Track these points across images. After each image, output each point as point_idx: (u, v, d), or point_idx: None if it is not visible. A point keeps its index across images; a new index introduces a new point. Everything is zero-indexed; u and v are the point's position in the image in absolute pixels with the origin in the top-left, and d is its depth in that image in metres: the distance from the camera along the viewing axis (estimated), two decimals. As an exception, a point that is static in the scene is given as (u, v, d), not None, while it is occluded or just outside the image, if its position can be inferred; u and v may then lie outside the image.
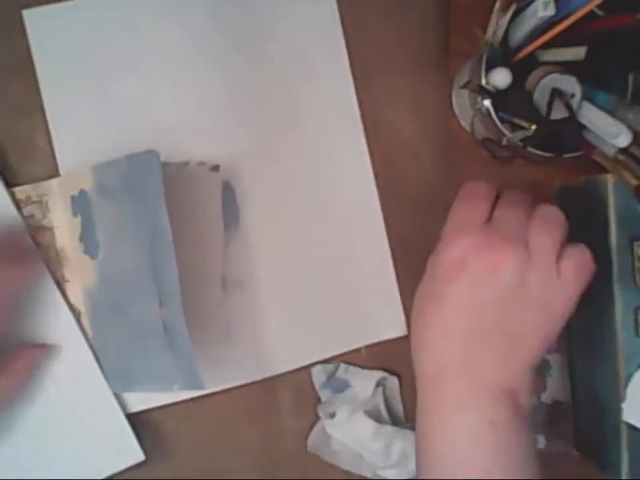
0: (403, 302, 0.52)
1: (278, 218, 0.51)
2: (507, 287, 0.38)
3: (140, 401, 0.49)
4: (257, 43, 0.51)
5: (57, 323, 0.48)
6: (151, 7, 0.49)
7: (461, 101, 0.52)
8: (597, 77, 0.47)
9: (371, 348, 0.52)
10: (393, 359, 0.52)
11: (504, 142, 0.48)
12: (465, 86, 0.49)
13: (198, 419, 0.50)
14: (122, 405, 0.48)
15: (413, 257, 0.52)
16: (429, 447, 0.40)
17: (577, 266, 0.40)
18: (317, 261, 0.51)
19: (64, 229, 0.48)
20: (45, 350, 0.47)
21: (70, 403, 0.47)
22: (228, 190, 0.50)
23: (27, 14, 0.48)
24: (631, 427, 0.47)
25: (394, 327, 0.52)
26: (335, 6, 0.51)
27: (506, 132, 0.47)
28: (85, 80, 0.49)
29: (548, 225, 0.40)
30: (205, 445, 0.50)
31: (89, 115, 0.49)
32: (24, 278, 0.47)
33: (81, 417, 0.48)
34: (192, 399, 0.50)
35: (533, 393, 0.40)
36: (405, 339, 0.52)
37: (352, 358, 0.52)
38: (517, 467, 0.39)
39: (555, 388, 0.53)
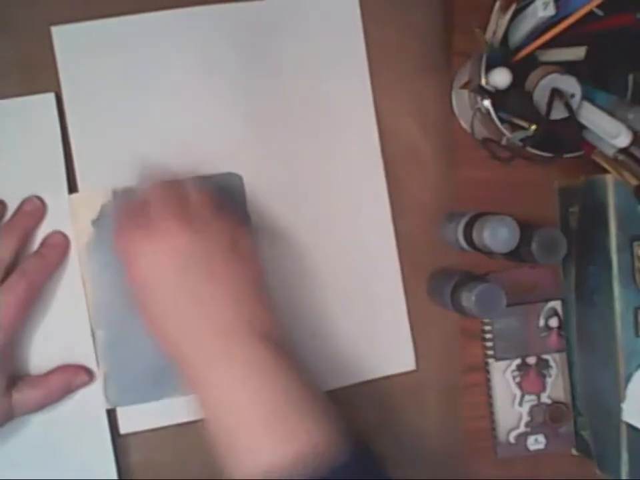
0: (413, 337, 0.52)
1: (291, 247, 0.51)
2: (186, 258, 0.41)
3: (136, 422, 0.49)
4: (276, 54, 0.51)
5: (73, 331, 0.48)
6: (175, 30, 0.49)
7: (460, 101, 0.52)
8: (596, 77, 0.47)
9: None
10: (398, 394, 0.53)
11: (504, 142, 0.48)
12: (464, 86, 0.49)
13: (195, 443, 0.49)
14: (116, 425, 0.48)
15: (420, 278, 0.52)
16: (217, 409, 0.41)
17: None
18: (327, 293, 0.51)
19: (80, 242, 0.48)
20: (84, 374, 0.47)
21: (62, 413, 0.48)
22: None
23: (55, 30, 0.48)
24: (631, 427, 0.47)
25: (403, 362, 0.52)
26: (359, 22, 0.51)
27: (506, 132, 0.47)
28: (110, 98, 0.49)
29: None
30: (202, 469, 0.49)
31: (112, 132, 0.49)
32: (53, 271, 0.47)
33: (69, 429, 0.48)
34: (190, 422, 0.49)
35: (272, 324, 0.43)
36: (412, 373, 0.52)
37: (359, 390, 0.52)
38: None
39: (554, 388, 0.53)
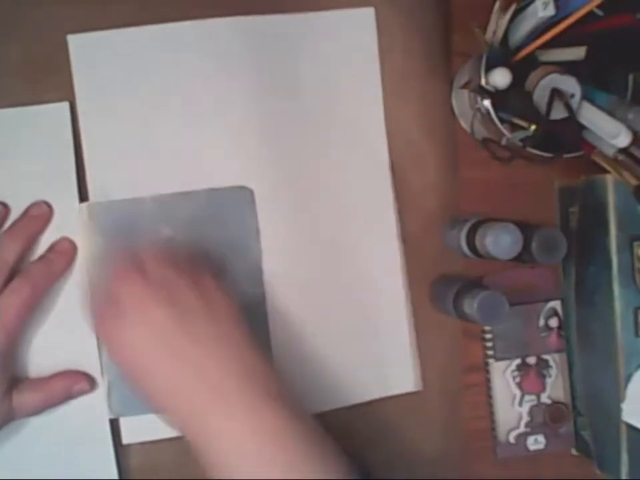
0: (419, 357, 0.52)
1: (301, 265, 0.50)
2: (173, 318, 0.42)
3: (139, 432, 0.49)
4: (290, 67, 0.50)
5: (79, 339, 0.48)
6: (192, 42, 0.49)
7: (460, 101, 0.52)
8: (596, 77, 0.47)
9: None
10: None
11: (503, 142, 0.48)
12: (464, 86, 0.49)
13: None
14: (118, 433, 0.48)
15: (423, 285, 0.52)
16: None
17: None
18: (337, 311, 0.51)
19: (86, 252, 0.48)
20: (86, 381, 0.47)
21: (63, 420, 0.47)
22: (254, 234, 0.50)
23: (71, 39, 0.48)
24: (631, 427, 0.47)
25: (408, 382, 0.52)
26: (374, 40, 0.51)
27: (505, 132, 0.47)
28: (123, 108, 0.48)
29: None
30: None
31: (124, 143, 0.48)
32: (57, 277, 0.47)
33: (72, 436, 0.48)
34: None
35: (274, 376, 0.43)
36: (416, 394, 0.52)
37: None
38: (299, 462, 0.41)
39: (554, 388, 0.53)
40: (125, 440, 0.48)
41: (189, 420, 0.41)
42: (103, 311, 0.44)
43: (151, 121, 0.49)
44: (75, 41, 0.48)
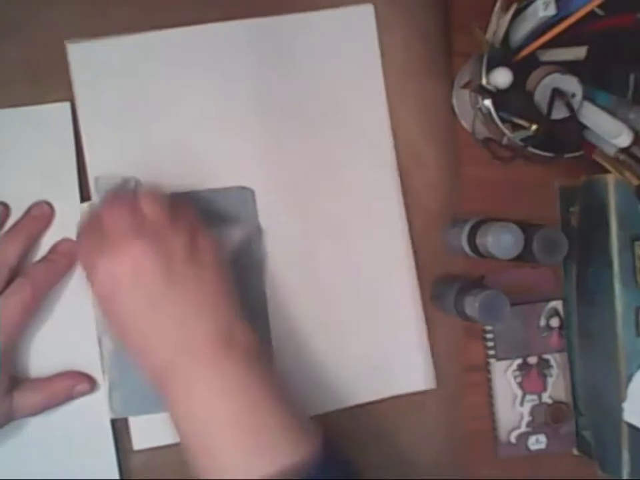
0: (433, 355, 0.52)
1: (306, 264, 0.50)
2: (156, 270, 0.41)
3: (151, 438, 0.48)
4: (291, 68, 0.50)
5: (80, 339, 0.48)
6: (189, 46, 0.49)
7: (461, 101, 0.52)
8: (597, 77, 0.47)
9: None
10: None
11: (504, 142, 0.48)
12: (465, 86, 0.49)
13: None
14: (128, 441, 0.48)
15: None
16: (185, 428, 0.41)
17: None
18: (346, 309, 0.51)
19: None
20: (87, 382, 0.47)
21: (64, 420, 0.47)
22: (257, 234, 0.50)
23: (70, 46, 0.48)
24: (632, 427, 0.47)
25: (423, 380, 0.51)
26: (375, 38, 0.51)
27: (506, 132, 0.47)
28: (123, 110, 0.48)
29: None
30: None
31: (126, 146, 0.48)
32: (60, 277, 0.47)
33: (74, 436, 0.48)
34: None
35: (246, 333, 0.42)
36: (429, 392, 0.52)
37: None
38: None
39: (555, 388, 0.53)
40: (136, 446, 0.48)
41: (153, 369, 0.41)
42: (88, 240, 0.43)
43: (151, 121, 0.49)
44: (74, 50, 0.48)
